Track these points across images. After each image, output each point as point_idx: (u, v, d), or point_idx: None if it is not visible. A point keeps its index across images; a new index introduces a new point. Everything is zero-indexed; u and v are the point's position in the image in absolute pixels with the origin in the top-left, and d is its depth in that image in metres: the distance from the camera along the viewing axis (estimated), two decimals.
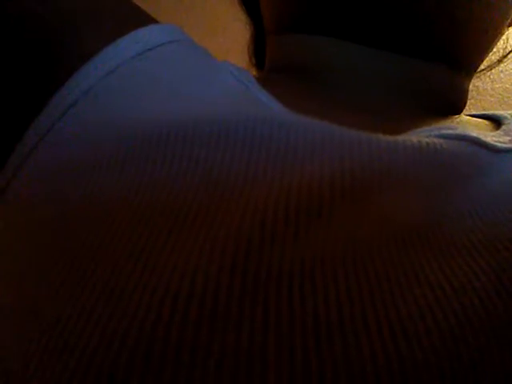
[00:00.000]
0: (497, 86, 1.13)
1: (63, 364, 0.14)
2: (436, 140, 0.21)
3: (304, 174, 0.18)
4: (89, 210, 0.18)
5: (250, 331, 0.14)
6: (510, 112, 0.29)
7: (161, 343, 0.14)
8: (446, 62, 0.27)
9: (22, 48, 0.22)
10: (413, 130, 0.23)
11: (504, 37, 0.32)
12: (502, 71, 1.12)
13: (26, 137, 0.21)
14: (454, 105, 0.29)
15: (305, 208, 0.17)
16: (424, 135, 0.22)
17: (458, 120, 0.28)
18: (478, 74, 0.32)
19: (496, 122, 0.29)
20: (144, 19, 0.25)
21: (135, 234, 0.16)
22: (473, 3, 0.25)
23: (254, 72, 0.40)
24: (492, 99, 1.13)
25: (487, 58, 0.32)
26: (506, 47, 0.37)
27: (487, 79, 1.12)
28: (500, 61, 0.37)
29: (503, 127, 0.26)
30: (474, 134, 0.23)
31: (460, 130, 0.23)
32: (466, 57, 0.28)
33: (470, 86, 0.31)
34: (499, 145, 0.23)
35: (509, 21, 0.30)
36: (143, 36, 0.23)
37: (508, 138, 0.24)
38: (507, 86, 1.13)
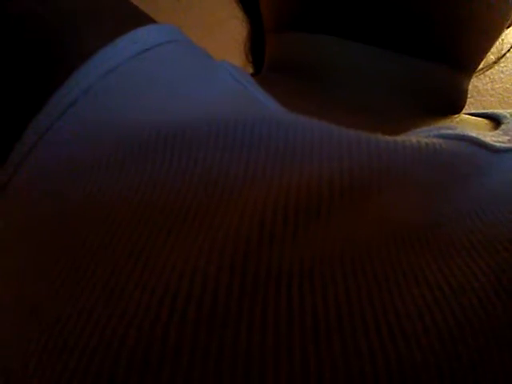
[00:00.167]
0: (497, 86, 1.13)
1: (63, 364, 0.14)
2: (435, 140, 0.21)
3: (303, 173, 0.18)
4: (89, 210, 0.18)
5: (248, 331, 0.14)
6: (509, 111, 0.29)
7: (159, 343, 0.14)
8: (446, 62, 0.27)
9: (22, 48, 0.22)
10: (412, 130, 0.23)
11: (501, 37, 0.32)
12: (502, 71, 1.12)
13: (25, 136, 0.21)
14: (454, 104, 0.29)
15: (304, 208, 0.17)
16: (423, 135, 0.22)
17: (457, 120, 0.28)
18: (476, 74, 0.32)
19: (495, 121, 0.29)
20: (143, 19, 0.25)
21: (135, 233, 0.16)
22: (473, 3, 0.25)
23: (250, 69, 0.40)
24: (492, 99, 1.13)
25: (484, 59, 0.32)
26: (503, 48, 0.37)
27: (487, 79, 1.12)
28: (496, 62, 0.37)
29: (502, 126, 0.26)
30: (474, 133, 0.23)
31: (459, 130, 0.23)
32: (466, 57, 0.28)
33: (470, 86, 0.31)
34: (498, 145, 0.23)
35: (509, 21, 0.30)
36: (142, 36, 0.23)
37: (507, 138, 0.24)
38: (507, 85, 1.13)
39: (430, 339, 0.14)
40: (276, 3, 0.29)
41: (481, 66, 0.32)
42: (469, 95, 0.31)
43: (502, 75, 1.12)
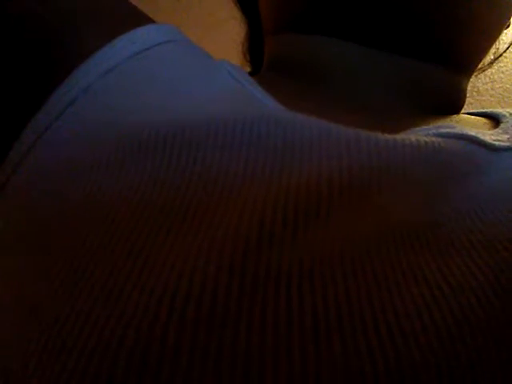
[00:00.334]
0: (497, 86, 1.13)
1: (62, 364, 0.14)
2: (434, 139, 0.21)
3: (302, 172, 0.18)
4: (88, 209, 0.18)
5: (247, 331, 0.14)
6: (508, 110, 0.29)
7: (158, 343, 0.14)
8: (445, 63, 0.27)
9: (22, 47, 0.22)
10: (411, 129, 0.23)
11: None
12: (501, 71, 1.12)
13: (24, 135, 0.21)
14: (453, 104, 0.29)
15: (303, 208, 0.17)
16: (422, 134, 0.22)
17: (456, 119, 0.28)
18: (474, 74, 0.32)
19: (494, 120, 0.29)
20: (142, 19, 0.25)
21: (134, 232, 0.16)
22: (472, 4, 0.25)
23: (248, 69, 0.40)
24: (492, 99, 1.13)
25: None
26: (499, 48, 0.37)
27: (487, 79, 1.12)
28: (492, 62, 0.37)
29: (502, 125, 0.26)
30: (473, 132, 0.23)
31: (458, 129, 0.23)
32: (465, 57, 0.28)
33: (470, 86, 0.31)
34: (497, 143, 0.23)
35: (508, 22, 0.30)
36: (141, 36, 0.23)
37: (506, 136, 0.24)
38: (507, 86, 1.13)
39: (429, 338, 0.14)
40: (275, 5, 0.29)
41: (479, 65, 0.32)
42: (468, 95, 0.31)
43: (501, 75, 1.12)
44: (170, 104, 0.21)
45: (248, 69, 0.41)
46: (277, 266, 0.15)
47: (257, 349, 0.14)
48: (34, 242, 0.18)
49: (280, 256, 0.16)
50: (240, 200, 0.17)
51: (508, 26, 0.32)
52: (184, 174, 0.18)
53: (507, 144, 0.23)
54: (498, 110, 0.30)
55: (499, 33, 0.30)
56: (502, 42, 0.36)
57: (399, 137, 0.20)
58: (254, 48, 0.39)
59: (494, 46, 0.32)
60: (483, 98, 1.12)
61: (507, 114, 0.28)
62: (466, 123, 0.28)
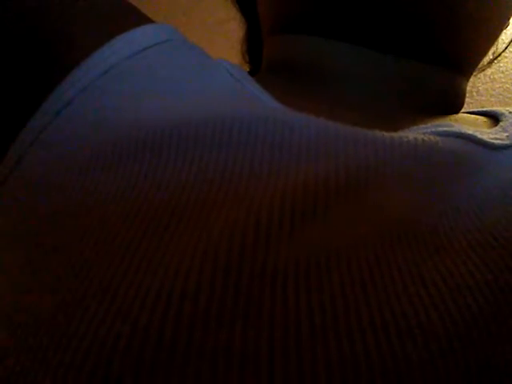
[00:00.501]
0: (497, 86, 1.13)
1: (58, 359, 0.14)
2: (432, 137, 0.21)
3: (299, 171, 0.18)
4: (85, 208, 0.18)
5: (243, 331, 0.14)
6: (507, 108, 0.29)
7: (154, 343, 0.14)
8: (444, 63, 0.27)
9: (20, 47, 0.22)
10: (409, 128, 0.23)
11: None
12: (501, 71, 1.12)
13: (23, 135, 0.21)
14: (452, 104, 0.29)
15: (300, 208, 0.17)
16: (420, 132, 0.22)
17: (455, 117, 0.28)
18: (474, 73, 0.32)
19: (494, 118, 0.29)
20: (140, 19, 0.25)
21: (131, 231, 0.16)
22: (471, 4, 0.25)
23: (247, 69, 0.41)
24: (492, 99, 1.13)
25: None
26: (498, 48, 0.37)
27: (487, 79, 1.12)
28: (491, 62, 0.37)
29: (501, 124, 0.26)
30: (471, 131, 0.23)
31: (456, 128, 0.22)
32: (464, 58, 0.28)
33: (470, 86, 0.31)
34: (496, 142, 0.23)
35: (507, 23, 0.30)
36: (139, 36, 0.23)
37: (506, 135, 0.24)
38: (507, 86, 1.13)
39: (425, 337, 0.14)
40: (272, 6, 0.29)
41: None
42: (468, 95, 0.31)
43: (501, 75, 1.12)
44: (168, 103, 0.21)
45: (247, 69, 0.41)
46: (273, 266, 0.15)
47: (252, 348, 0.14)
48: (31, 239, 0.18)
49: (276, 256, 0.16)
50: (237, 200, 0.17)
51: (507, 25, 0.32)
52: (181, 173, 0.18)
53: (506, 142, 0.23)
54: (498, 108, 0.29)
55: (499, 33, 0.30)
56: (501, 41, 0.36)
57: (397, 135, 0.20)
58: (252, 48, 0.39)
59: (493, 46, 0.32)
60: (483, 98, 1.12)
61: (506, 113, 0.28)
62: (465, 122, 0.28)
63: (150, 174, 0.18)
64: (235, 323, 0.14)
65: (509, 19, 0.30)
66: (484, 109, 0.31)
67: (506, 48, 0.37)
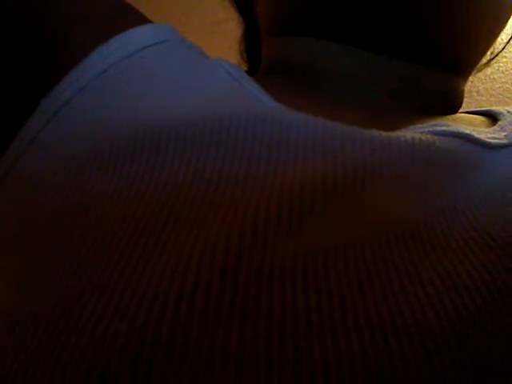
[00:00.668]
0: (496, 85, 1.13)
1: (56, 357, 0.14)
2: (430, 137, 0.21)
3: (296, 171, 0.18)
4: (83, 207, 0.18)
5: (240, 331, 0.14)
6: (506, 108, 0.29)
7: (151, 342, 0.14)
8: (442, 65, 0.27)
9: (19, 47, 0.22)
10: (407, 127, 0.23)
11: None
12: (501, 71, 1.12)
13: (20, 134, 0.21)
14: (450, 105, 0.29)
15: (297, 207, 0.17)
16: (417, 132, 0.22)
17: (452, 117, 0.28)
18: (473, 73, 0.32)
19: (492, 117, 0.29)
20: (138, 19, 0.25)
21: (127, 232, 0.16)
22: (469, 5, 0.25)
23: (246, 69, 0.41)
24: (492, 99, 1.13)
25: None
26: (495, 49, 0.37)
27: (487, 79, 1.12)
28: (489, 62, 0.37)
29: (499, 123, 0.26)
30: (468, 130, 0.23)
31: (454, 127, 0.22)
32: (462, 59, 0.28)
33: (470, 86, 0.31)
34: (493, 141, 0.23)
35: (506, 24, 0.30)
36: (137, 36, 0.23)
37: (503, 134, 0.24)
38: (507, 86, 1.13)
39: (422, 336, 0.14)
40: (270, 7, 0.29)
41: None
42: (468, 95, 0.31)
43: (501, 75, 1.12)
44: (166, 103, 0.21)
45: (245, 68, 0.41)
46: (270, 266, 0.15)
47: (249, 348, 0.14)
48: (29, 237, 0.18)
49: (273, 255, 0.16)
50: (234, 199, 0.17)
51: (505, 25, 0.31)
52: (178, 173, 0.18)
53: (504, 141, 0.23)
54: (496, 107, 0.29)
55: (497, 35, 0.30)
56: (500, 41, 0.36)
57: (394, 134, 0.20)
58: (251, 48, 0.39)
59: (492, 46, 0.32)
60: (482, 98, 1.12)
61: (505, 112, 0.28)
62: (463, 121, 0.28)
63: (147, 173, 0.18)
64: (232, 323, 0.14)
65: (507, 21, 0.30)
66: (483, 108, 0.31)
67: (504, 47, 0.37)
